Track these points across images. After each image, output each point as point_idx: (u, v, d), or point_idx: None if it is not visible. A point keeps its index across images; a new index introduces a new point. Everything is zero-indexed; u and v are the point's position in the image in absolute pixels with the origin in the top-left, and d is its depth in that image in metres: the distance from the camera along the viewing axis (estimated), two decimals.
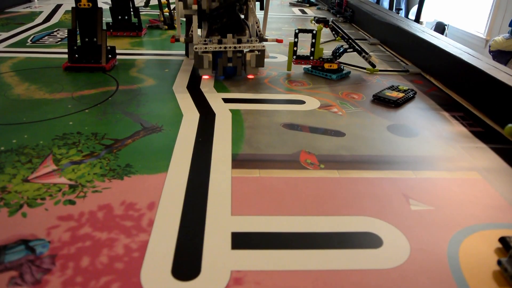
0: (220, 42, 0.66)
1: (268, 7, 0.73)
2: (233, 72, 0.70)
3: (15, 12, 1.32)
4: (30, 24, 1.14)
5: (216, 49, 0.65)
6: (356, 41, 0.78)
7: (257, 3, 0.73)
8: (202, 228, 0.35)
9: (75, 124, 0.52)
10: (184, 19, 0.75)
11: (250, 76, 0.72)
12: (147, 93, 0.64)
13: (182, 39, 0.71)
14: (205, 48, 0.65)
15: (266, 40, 0.71)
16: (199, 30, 0.70)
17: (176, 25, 0.77)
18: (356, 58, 0.81)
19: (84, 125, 0.52)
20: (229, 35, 0.65)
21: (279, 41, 0.75)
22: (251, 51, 0.68)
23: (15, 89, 0.64)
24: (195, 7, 0.65)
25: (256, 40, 0.68)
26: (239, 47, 0.66)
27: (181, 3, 0.66)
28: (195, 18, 0.66)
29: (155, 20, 1.18)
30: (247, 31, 0.68)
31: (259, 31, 0.70)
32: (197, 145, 0.48)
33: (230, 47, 0.66)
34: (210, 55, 0.66)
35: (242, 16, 0.70)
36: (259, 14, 0.72)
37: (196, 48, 0.65)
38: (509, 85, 0.57)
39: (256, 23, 0.69)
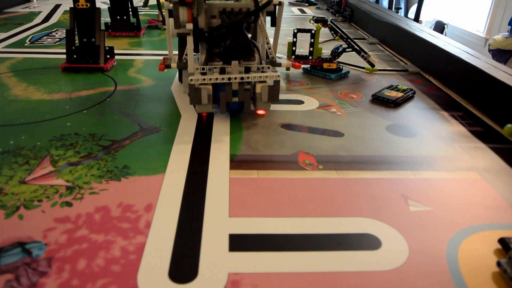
0: (222, 71, 0.51)
1: (280, 23, 0.59)
2: (239, 108, 0.55)
3: (14, 12, 1.31)
4: (29, 24, 1.13)
5: (218, 81, 0.51)
6: (355, 40, 0.78)
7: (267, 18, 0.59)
8: (199, 230, 0.34)
9: (72, 125, 0.52)
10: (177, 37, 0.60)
11: (261, 112, 0.57)
12: (145, 93, 0.64)
13: (174, 64, 0.58)
14: (203, 80, 0.50)
15: (279, 64, 0.57)
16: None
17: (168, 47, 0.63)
18: (355, 57, 0.81)
19: (82, 126, 0.52)
20: (235, 63, 0.51)
21: (297, 66, 0.62)
22: (262, 81, 0.53)
23: (13, 89, 0.64)
24: (190, 25, 0.49)
25: (268, 67, 0.53)
26: (247, 77, 0.51)
27: (171, 20, 0.51)
28: (190, 40, 0.51)
29: (154, 20, 1.18)
30: (256, 55, 0.53)
31: (271, 53, 0.56)
32: (195, 146, 0.48)
33: (235, 78, 0.51)
34: (210, 87, 0.51)
35: (250, 36, 0.56)
36: (269, 30, 0.60)
37: (191, 80, 0.50)
38: (508, 85, 0.57)
39: (267, 43, 0.56)
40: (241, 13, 0.52)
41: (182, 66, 0.58)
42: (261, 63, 0.53)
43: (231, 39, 0.50)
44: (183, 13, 0.48)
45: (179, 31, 0.51)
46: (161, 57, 0.84)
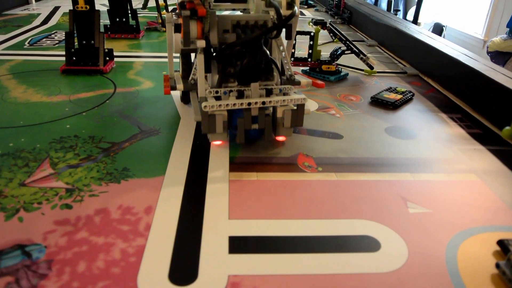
0: (241, 95, 0.44)
1: (295, 35, 0.51)
2: (258, 135, 0.49)
3: (13, 14, 1.31)
4: (28, 26, 1.13)
5: (236, 106, 0.43)
6: (354, 42, 0.78)
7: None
8: (199, 232, 0.34)
9: (72, 127, 0.52)
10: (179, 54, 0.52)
11: (281, 138, 0.50)
12: (144, 95, 0.64)
13: (180, 86, 0.51)
14: (219, 106, 0.43)
15: (298, 83, 0.50)
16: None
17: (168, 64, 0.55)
18: (354, 60, 0.81)
19: (81, 128, 0.52)
20: (255, 85, 0.44)
21: (319, 85, 0.54)
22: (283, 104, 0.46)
23: (12, 92, 0.64)
24: (202, 42, 0.42)
25: (290, 88, 0.46)
26: (270, 102, 0.44)
27: (177, 36, 0.44)
28: (200, 58, 0.44)
29: (153, 22, 1.18)
30: (275, 74, 0.47)
31: (289, 71, 0.50)
32: (194, 148, 0.48)
33: (256, 103, 0.44)
34: (225, 113, 0.44)
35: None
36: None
37: (205, 107, 0.43)
38: (507, 87, 0.57)
39: (285, 60, 0.50)
40: (257, 26, 0.46)
41: (191, 88, 0.50)
42: (281, 83, 0.47)
43: (249, 56, 0.43)
44: (192, 28, 0.42)
45: (186, 48, 0.43)
46: (161, 59, 0.85)
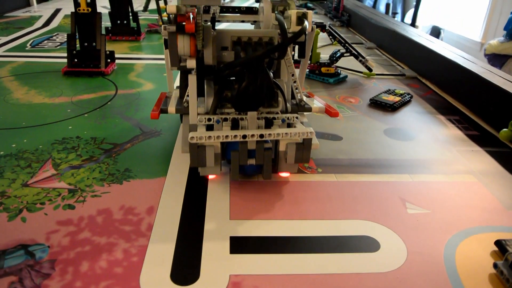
0: (235, 124, 0.39)
1: (309, 53, 0.46)
2: (255, 171, 0.42)
3: (14, 16, 1.32)
4: (30, 28, 1.14)
5: (229, 139, 0.37)
6: (353, 45, 0.79)
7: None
8: (201, 232, 0.35)
9: (74, 129, 0.53)
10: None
11: (284, 175, 0.43)
12: (146, 97, 0.64)
13: (172, 109, 0.44)
14: (208, 137, 0.37)
15: (309, 109, 0.44)
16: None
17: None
18: (353, 62, 0.82)
19: (83, 130, 0.52)
20: (252, 114, 0.38)
21: (333, 114, 0.46)
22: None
23: (14, 93, 0.65)
24: (192, 62, 0.37)
25: (297, 117, 0.40)
26: (269, 135, 0.38)
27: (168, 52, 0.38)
28: (192, 80, 0.39)
29: (154, 25, 1.19)
30: (280, 99, 0.40)
31: (298, 94, 0.44)
32: None
33: (252, 136, 0.37)
34: (218, 144, 0.38)
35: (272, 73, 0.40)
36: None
37: (192, 138, 0.37)
38: (504, 89, 0.58)
39: (294, 82, 0.43)
40: (261, 44, 0.40)
41: (183, 112, 0.44)
42: (286, 110, 0.41)
43: (248, 80, 0.36)
44: (184, 44, 0.36)
45: (176, 67, 0.37)
46: (161, 61, 0.86)
